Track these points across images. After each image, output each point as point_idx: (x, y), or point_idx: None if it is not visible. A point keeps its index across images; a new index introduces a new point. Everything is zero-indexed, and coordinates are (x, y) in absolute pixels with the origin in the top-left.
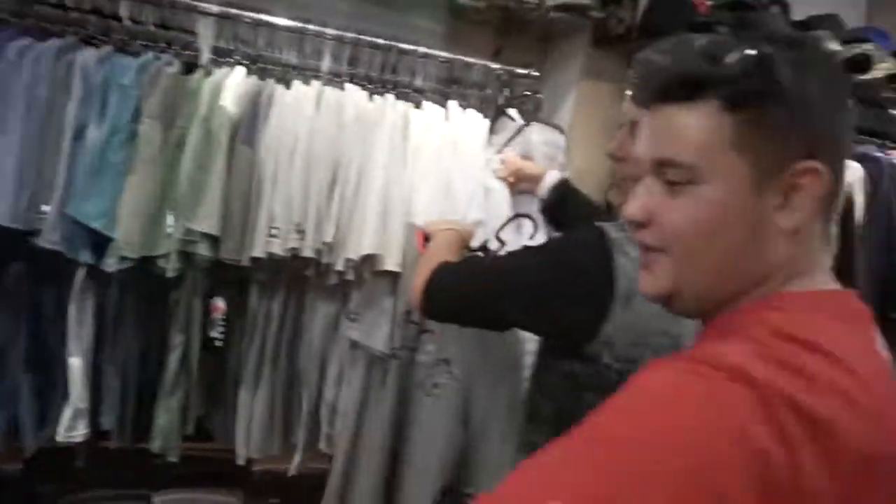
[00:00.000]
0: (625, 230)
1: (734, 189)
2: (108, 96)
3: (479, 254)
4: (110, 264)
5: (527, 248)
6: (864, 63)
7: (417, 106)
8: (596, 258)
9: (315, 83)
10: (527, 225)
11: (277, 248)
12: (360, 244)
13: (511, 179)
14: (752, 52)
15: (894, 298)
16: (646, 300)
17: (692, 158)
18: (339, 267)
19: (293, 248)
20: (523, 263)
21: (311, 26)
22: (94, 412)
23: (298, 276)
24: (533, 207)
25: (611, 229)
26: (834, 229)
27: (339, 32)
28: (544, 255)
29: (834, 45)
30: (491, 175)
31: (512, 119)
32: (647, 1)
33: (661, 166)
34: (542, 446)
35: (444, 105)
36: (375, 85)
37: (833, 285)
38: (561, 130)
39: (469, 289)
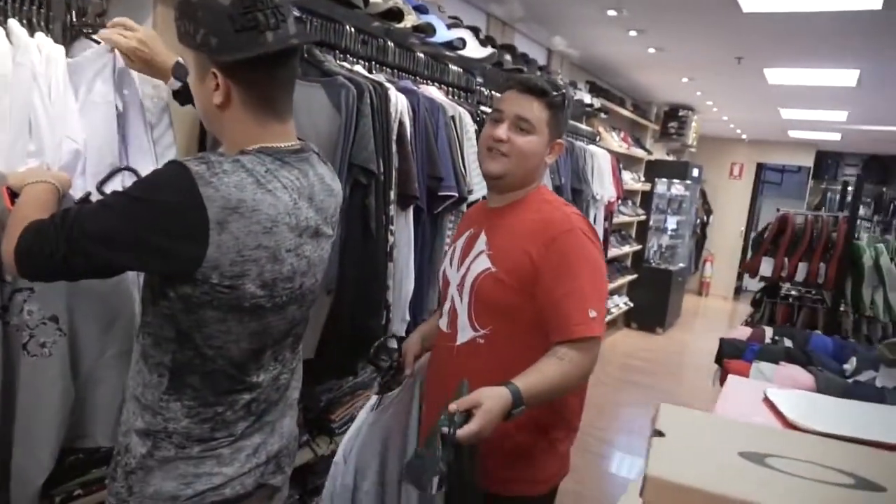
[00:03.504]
0: (206, 162)
1: (542, 141)
2: None
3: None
4: None
5: (115, 194)
6: (398, 14)
7: None
8: (183, 194)
9: None
10: (131, 179)
11: None
12: None
13: (134, 51)
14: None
15: (436, 197)
16: (238, 222)
17: (534, 120)
18: None
19: None
20: (116, 211)
21: None
22: None
23: None
24: (142, 133)
25: (192, 164)
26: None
27: None
28: (133, 199)
29: None
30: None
31: (97, 42)
32: None
33: (519, 119)
34: (169, 365)
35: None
36: None
37: None
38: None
39: (63, 246)
